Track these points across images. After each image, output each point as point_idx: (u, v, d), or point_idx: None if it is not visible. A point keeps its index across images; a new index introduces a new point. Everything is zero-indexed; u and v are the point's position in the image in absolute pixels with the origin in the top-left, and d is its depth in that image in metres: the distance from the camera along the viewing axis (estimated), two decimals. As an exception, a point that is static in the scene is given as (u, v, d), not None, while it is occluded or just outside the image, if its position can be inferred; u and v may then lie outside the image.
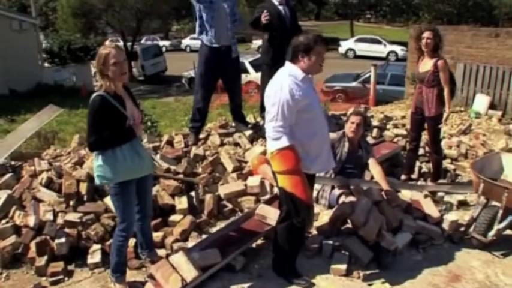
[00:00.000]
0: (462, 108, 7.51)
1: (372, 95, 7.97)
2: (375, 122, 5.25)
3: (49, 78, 13.39)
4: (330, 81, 12.81)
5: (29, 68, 12.68)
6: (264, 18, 3.85)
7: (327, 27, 39.45)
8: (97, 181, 2.31)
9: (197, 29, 3.88)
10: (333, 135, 3.07)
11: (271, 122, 2.20)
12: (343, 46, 23.95)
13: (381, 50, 22.45)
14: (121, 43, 18.07)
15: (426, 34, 3.53)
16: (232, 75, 4.03)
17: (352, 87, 12.01)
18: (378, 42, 22.92)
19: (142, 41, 23.42)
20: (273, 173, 2.31)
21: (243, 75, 14.12)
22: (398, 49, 21.85)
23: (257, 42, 22.79)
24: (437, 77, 3.52)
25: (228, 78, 4.04)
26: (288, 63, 2.31)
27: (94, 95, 2.20)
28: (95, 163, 2.28)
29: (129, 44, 17.98)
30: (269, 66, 3.99)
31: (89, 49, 14.97)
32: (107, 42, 23.20)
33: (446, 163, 4.35)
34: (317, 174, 3.01)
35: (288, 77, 2.23)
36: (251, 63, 13.96)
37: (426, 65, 3.57)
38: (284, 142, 2.16)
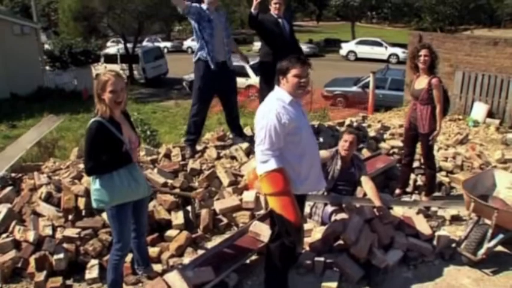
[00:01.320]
0: (460, 117, 7.54)
1: (370, 103, 8.00)
2: (371, 133, 5.30)
3: (50, 82, 13.50)
4: (330, 86, 12.84)
5: (30, 71, 12.79)
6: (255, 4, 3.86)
7: (328, 28, 39.50)
8: (94, 204, 2.38)
9: (196, 44, 3.93)
10: (325, 154, 3.13)
11: (259, 146, 2.23)
12: (344, 48, 23.97)
13: (382, 52, 22.47)
14: (122, 45, 18.16)
15: (423, 52, 3.56)
16: (228, 88, 4.09)
17: (352, 92, 12.03)
18: (379, 44, 22.93)
19: (144, 42, 23.49)
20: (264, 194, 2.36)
21: (243, 79, 14.28)
22: (399, 51, 21.85)
23: (258, 44, 22.83)
24: (432, 95, 3.56)
25: (224, 92, 4.10)
26: (276, 87, 2.35)
27: (91, 121, 2.26)
28: (92, 186, 2.34)
29: (130, 45, 18.01)
30: (266, 75, 4.02)
31: (90, 53, 15.06)
32: (108, 43, 23.33)
33: (441, 176, 4.39)
34: (310, 192, 3.08)
35: (275, 101, 2.26)
36: (252, 66, 13.98)
37: (421, 82, 3.61)
38: (272, 165, 2.19)
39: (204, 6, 3.84)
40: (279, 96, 2.28)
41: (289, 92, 2.27)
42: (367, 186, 3.09)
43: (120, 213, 2.39)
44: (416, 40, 8.27)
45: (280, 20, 4.18)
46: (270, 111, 2.22)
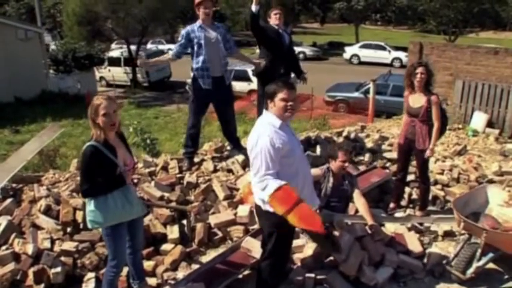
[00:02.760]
0: (460, 126, 7.55)
1: (370, 111, 8.03)
2: (369, 144, 5.32)
3: (54, 86, 13.67)
4: (332, 91, 12.88)
5: (34, 75, 12.97)
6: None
7: (333, 30, 39.50)
8: (89, 225, 2.45)
9: (192, 60, 3.92)
10: (317, 171, 3.18)
11: (256, 175, 2.25)
12: (348, 52, 23.97)
13: (385, 56, 22.46)
14: (125, 48, 18.28)
15: (420, 69, 3.60)
16: (224, 102, 4.08)
17: (354, 98, 12.06)
18: (383, 48, 22.92)
19: (148, 45, 23.64)
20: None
21: (245, 84, 14.33)
22: (402, 55, 21.80)
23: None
24: (431, 112, 3.60)
25: (220, 105, 4.11)
26: (265, 111, 2.40)
27: (86, 145, 2.33)
28: (87, 207, 2.42)
29: (133, 47, 18.12)
30: (265, 83, 4.03)
31: (93, 57, 15.23)
32: (113, 45, 23.51)
33: (436, 189, 4.41)
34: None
35: (267, 126, 2.30)
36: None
37: (419, 100, 3.62)
38: (273, 186, 2.20)
39: (197, 23, 3.85)
40: (270, 121, 2.32)
41: (277, 115, 2.31)
42: (359, 203, 3.14)
43: (115, 232, 2.46)
44: (417, 49, 8.29)
45: (280, 31, 4.25)
46: (262, 138, 2.26)
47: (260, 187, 2.26)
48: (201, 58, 3.82)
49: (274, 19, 4.17)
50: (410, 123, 3.66)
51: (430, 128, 3.62)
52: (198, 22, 3.87)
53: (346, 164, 3.12)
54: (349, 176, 3.27)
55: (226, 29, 4.11)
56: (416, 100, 3.64)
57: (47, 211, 3.46)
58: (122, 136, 2.49)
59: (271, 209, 2.29)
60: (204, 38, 3.80)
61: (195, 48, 3.83)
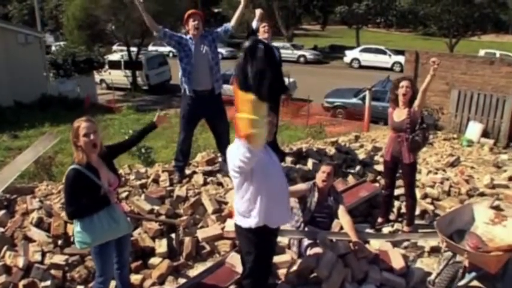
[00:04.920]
0: (455, 135, 7.57)
1: (366, 120, 8.06)
2: (361, 155, 5.35)
3: (54, 90, 13.79)
4: (331, 97, 12.89)
5: (34, 80, 13.06)
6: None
7: (335, 32, 39.54)
8: (77, 246, 2.52)
9: (180, 71, 3.92)
10: (303, 186, 3.22)
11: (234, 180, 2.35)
12: (348, 56, 23.98)
13: (385, 60, 22.45)
14: (125, 52, 18.35)
15: (405, 83, 3.62)
16: (215, 116, 4.06)
17: (352, 104, 12.08)
18: (383, 52, 22.91)
19: (150, 47, 23.71)
20: None
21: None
22: (403, 60, 21.74)
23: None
24: (414, 123, 3.62)
25: (211, 120, 4.11)
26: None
27: (69, 169, 2.39)
28: (74, 228, 2.47)
29: (133, 49, 18.18)
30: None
31: (93, 61, 15.34)
32: (114, 47, 23.62)
33: (425, 203, 4.44)
34: (286, 227, 3.18)
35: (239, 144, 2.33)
36: None
37: (402, 113, 3.65)
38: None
39: (188, 36, 3.86)
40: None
41: None
42: (343, 220, 3.17)
43: (103, 251, 2.53)
44: (413, 58, 8.34)
45: (271, 45, 4.28)
46: (238, 148, 2.28)
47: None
48: (185, 68, 3.82)
49: (262, 32, 4.12)
50: (396, 139, 3.67)
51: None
52: (189, 35, 3.88)
53: (327, 176, 3.14)
54: (335, 192, 3.31)
55: (211, 32, 4.01)
56: (400, 114, 3.65)
57: (39, 223, 3.51)
58: (104, 156, 2.54)
59: (248, 225, 2.37)
60: (194, 51, 3.80)
61: (184, 60, 3.83)
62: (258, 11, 4.07)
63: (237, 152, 2.21)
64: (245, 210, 2.40)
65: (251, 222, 2.38)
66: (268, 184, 2.37)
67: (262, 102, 2.09)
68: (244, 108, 2.06)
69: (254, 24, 4.00)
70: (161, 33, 3.85)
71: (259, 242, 2.37)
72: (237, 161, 2.22)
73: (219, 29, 4.05)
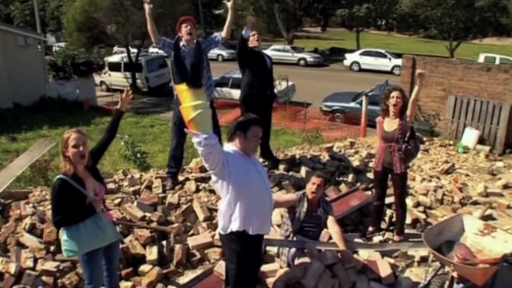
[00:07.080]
0: (451, 142, 7.59)
1: (362, 125, 8.08)
2: (355, 162, 5.36)
3: (53, 92, 13.85)
4: (329, 101, 12.89)
5: (33, 82, 13.13)
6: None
7: (336, 34, 39.57)
8: (64, 254, 2.54)
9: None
10: (293, 196, 3.23)
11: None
12: (348, 59, 23.98)
13: (385, 64, 22.44)
14: (125, 54, 18.41)
15: (395, 94, 3.63)
16: None
17: (351, 108, 12.08)
18: (383, 56, 22.91)
19: (151, 48, 23.75)
20: None
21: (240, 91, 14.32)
22: (403, 64, 21.81)
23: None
24: (405, 133, 3.65)
25: None
26: (225, 144, 2.48)
27: (55, 178, 2.42)
28: (62, 237, 2.50)
29: (133, 51, 18.22)
30: (250, 108, 4.07)
31: (92, 63, 15.41)
32: (115, 48, 23.71)
33: (418, 212, 4.45)
34: (275, 236, 3.19)
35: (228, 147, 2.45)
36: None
37: (393, 124, 3.66)
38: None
39: (181, 42, 3.87)
40: (227, 149, 2.44)
41: (242, 146, 2.44)
42: (332, 230, 3.18)
43: (91, 258, 2.55)
44: (410, 64, 8.36)
45: (261, 53, 4.31)
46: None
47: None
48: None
49: (252, 41, 4.14)
50: (387, 149, 3.68)
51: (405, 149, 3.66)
52: (182, 42, 3.90)
53: (317, 187, 3.16)
54: (325, 202, 3.32)
55: (204, 41, 4.06)
56: (390, 124, 3.66)
57: (32, 229, 3.54)
58: (91, 168, 2.57)
59: (229, 230, 2.43)
60: (187, 58, 3.82)
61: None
62: (249, 19, 4.09)
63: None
64: (225, 214, 2.45)
65: (232, 226, 2.43)
66: (247, 191, 2.41)
67: (196, 89, 2.30)
68: (183, 99, 2.28)
69: (244, 32, 4.03)
70: (161, 43, 3.93)
71: (241, 252, 2.40)
72: (201, 155, 2.26)
73: (209, 38, 4.11)
